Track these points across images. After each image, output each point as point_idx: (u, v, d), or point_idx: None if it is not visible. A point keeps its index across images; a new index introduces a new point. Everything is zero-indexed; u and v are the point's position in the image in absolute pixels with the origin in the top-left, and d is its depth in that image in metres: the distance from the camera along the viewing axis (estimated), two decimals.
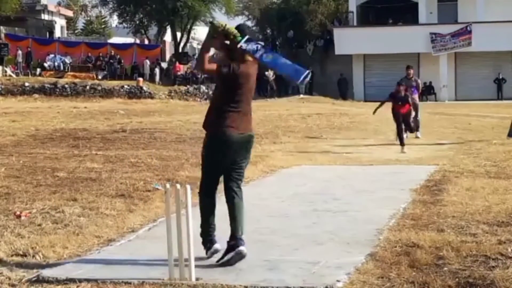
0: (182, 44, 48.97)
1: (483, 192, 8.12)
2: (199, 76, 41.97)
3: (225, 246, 5.24)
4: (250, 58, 5.26)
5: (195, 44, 60.85)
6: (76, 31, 66.91)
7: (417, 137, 16.52)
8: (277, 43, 54.47)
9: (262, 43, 5.44)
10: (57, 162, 11.75)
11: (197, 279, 4.85)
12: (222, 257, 5.19)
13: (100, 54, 42.47)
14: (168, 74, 42.69)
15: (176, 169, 10.64)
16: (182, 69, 42.84)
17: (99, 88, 37.81)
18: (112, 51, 43.37)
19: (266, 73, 41.97)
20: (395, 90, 14.85)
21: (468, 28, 40.73)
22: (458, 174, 9.79)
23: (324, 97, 38.50)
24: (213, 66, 5.24)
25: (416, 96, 16.74)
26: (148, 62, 42.00)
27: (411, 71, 17.03)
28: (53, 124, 20.64)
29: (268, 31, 60.06)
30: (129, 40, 51.06)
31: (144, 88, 38.26)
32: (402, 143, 13.92)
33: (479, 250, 5.41)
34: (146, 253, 5.62)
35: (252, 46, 5.22)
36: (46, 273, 5.09)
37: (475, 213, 6.85)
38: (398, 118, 14.46)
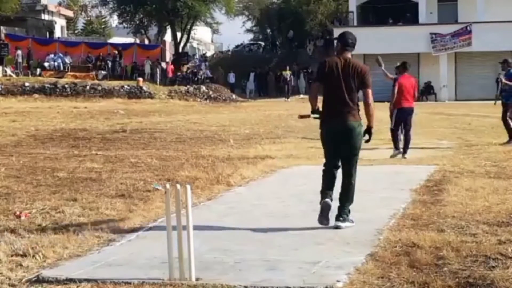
0: (182, 44, 48.98)
1: (483, 192, 8.11)
2: (199, 76, 42.00)
3: None
4: None
5: (195, 44, 60.87)
6: (76, 31, 66.88)
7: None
8: (277, 43, 54.53)
9: None
10: (57, 162, 11.75)
11: (197, 279, 4.85)
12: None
13: (101, 54, 42.46)
14: (167, 75, 42.68)
15: (176, 169, 10.63)
16: (173, 70, 42.78)
17: (99, 88, 37.77)
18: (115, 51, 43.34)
19: (284, 72, 41.96)
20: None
21: (468, 28, 40.70)
22: (458, 174, 9.77)
23: None
24: None
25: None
26: (149, 62, 42.00)
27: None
28: (53, 124, 20.64)
29: (268, 31, 60.14)
30: (129, 40, 51.06)
31: (144, 88, 38.24)
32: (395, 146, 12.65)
33: (479, 250, 5.41)
34: (146, 253, 5.62)
35: None
36: (46, 273, 5.09)
37: (475, 213, 6.85)
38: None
